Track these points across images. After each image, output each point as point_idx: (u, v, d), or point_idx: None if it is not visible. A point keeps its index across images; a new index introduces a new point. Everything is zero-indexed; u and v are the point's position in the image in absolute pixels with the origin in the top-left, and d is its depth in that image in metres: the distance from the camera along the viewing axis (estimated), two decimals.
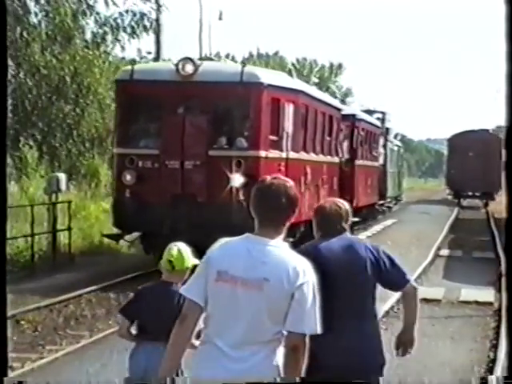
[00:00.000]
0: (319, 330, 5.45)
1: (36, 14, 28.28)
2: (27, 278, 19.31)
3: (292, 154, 20.68)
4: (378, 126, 37.92)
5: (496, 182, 45.63)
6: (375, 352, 7.03)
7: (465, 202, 48.47)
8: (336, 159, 27.82)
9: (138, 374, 7.75)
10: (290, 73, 26.47)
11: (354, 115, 32.55)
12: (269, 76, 20.33)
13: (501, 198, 40.26)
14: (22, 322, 15.21)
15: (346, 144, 30.76)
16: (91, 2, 28.33)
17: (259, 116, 19.39)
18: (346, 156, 30.36)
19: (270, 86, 19.58)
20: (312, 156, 23.15)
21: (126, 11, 28.55)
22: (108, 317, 15.70)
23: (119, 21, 28.85)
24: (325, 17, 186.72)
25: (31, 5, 27.97)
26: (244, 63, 21.71)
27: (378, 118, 40.30)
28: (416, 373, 11.02)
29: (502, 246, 13.80)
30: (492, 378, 9.51)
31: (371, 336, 7.01)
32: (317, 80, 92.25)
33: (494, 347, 13.19)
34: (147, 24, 28.43)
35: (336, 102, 29.38)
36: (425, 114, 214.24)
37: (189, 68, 19.25)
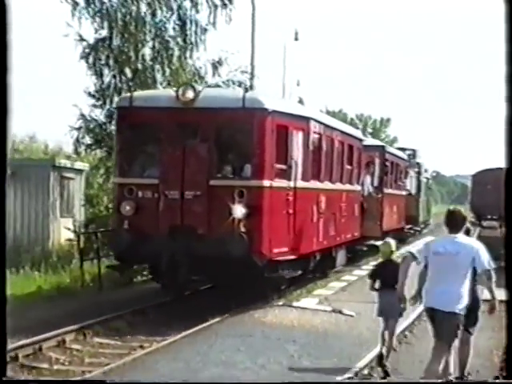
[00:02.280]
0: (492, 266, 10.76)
1: None
2: None
3: (301, 183, 18.29)
4: (404, 159, 38.29)
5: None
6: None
7: (485, 223, 55.87)
8: (358, 187, 25.68)
9: (383, 305, 12.94)
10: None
11: (383, 146, 31.19)
12: (273, 102, 18.13)
13: None
14: None
15: (376, 173, 29.59)
16: (202, 74, 27.23)
17: (263, 143, 17.05)
18: (375, 185, 29.16)
19: (274, 112, 17.21)
20: (327, 185, 20.87)
21: (227, 80, 27.46)
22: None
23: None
24: (377, 80, 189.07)
25: None
26: (247, 88, 19.57)
27: (409, 155, 42.99)
28: None
29: None
30: None
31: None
32: (371, 130, 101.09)
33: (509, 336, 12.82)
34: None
35: (357, 133, 27.06)
36: (454, 155, 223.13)
37: (189, 94, 17.06)
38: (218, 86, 26.59)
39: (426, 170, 53.79)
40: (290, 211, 17.88)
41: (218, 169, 17.31)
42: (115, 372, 12.17)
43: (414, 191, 42.71)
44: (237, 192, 16.87)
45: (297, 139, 18.37)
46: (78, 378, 11.92)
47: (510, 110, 9.07)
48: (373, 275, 13.27)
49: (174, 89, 17.74)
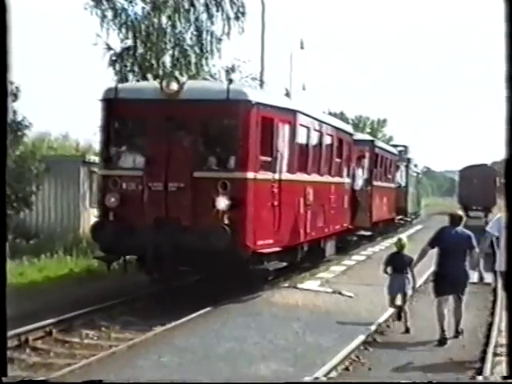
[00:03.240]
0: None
1: None
2: None
3: (287, 175, 16.92)
4: (394, 154, 37.32)
5: (492, 199, 57.15)
6: (465, 274, 13.87)
7: (471, 214, 56.83)
8: (347, 180, 24.13)
9: (394, 285, 14.82)
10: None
11: (372, 141, 29.73)
12: (258, 94, 16.67)
13: (495, 211, 50.68)
14: None
15: (366, 166, 28.31)
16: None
17: (247, 135, 15.64)
18: (365, 177, 27.87)
19: (259, 104, 15.80)
20: (315, 177, 19.38)
21: None
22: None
23: None
24: (375, 84, 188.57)
25: None
26: (231, 80, 17.98)
27: (400, 151, 43.50)
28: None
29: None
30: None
31: (465, 267, 13.82)
32: (369, 130, 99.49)
33: (492, 314, 16.48)
34: None
35: (348, 127, 25.56)
36: (443, 152, 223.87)
37: (173, 86, 15.65)
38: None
39: (415, 165, 54.00)
40: (275, 203, 16.54)
41: (202, 161, 15.97)
42: (139, 346, 12.42)
43: (403, 184, 41.77)
44: (220, 184, 15.52)
45: (283, 132, 17.02)
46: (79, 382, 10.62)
47: (510, 109, 8.25)
48: (387, 262, 15.21)
49: (159, 81, 16.04)
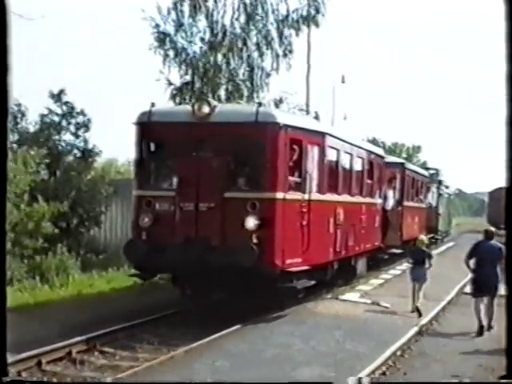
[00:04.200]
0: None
1: None
2: None
3: (316, 196, 15.91)
4: (425, 176, 36.26)
5: None
6: (497, 280, 15.11)
7: (499, 232, 52.45)
8: (378, 200, 22.90)
9: (415, 275, 17.02)
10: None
11: (402, 163, 28.41)
12: (287, 117, 15.67)
13: None
14: None
15: (397, 188, 27.21)
16: None
17: (276, 157, 14.70)
18: (396, 198, 26.78)
19: (287, 126, 14.88)
20: (345, 197, 18.27)
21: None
22: None
23: None
24: (409, 112, 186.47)
25: None
26: (260, 103, 16.87)
27: (432, 173, 43.02)
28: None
29: None
30: None
31: (497, 274, 15.10)
32: (405, 156, 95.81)
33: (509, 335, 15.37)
34: None
35: (378, 150, 24.38)
36: (475, 174, 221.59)
37: (204, 109, 14.84)
38: None
39: (447, 187, 53.21)
40: (304, 223, 15.45)
41: (232, 181, 15.08)
42: (194, 351, 12.50)
43: (434, 204, 40.62)
44: (250, 204, 14.59)
45: (312, 153, 16.06)
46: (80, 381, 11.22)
47: (511, 110, 7.74)
48: (410, 256, 17.99)
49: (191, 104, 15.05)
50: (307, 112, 29.09)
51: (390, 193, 25.68)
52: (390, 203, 25.41)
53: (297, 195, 15.21)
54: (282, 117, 15.15)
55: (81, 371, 12.08)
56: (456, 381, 11.37)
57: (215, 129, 14.74)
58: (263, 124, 14.62)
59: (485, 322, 15.31)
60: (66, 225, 30.00)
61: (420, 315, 16.40)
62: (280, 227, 14.60)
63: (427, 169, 45.40)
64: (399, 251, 27.18)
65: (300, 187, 15.42)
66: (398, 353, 13.24)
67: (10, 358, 11.45)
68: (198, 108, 14.87)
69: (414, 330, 15.15)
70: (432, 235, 38.23)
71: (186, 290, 15.78)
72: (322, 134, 16.36)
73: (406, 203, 27.81)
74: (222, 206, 14.55)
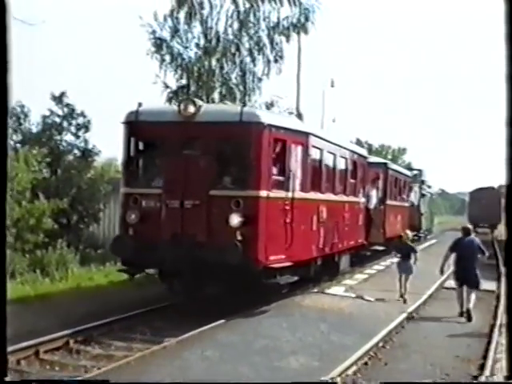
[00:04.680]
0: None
1: None
2: None
3: (299, 194, 15.39)
4: (407, 176, 35.59)
5: (497, 218, 56.59)
6: (475, 271, 16.18)
7: (479, 230, 54.74)
8: (362, 199, 22.38)
9: (402, 267, 17.80)
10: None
11: (385, 163, 27.86)
12: (270, 117, 15.16)
13: (500, 227, 53.47)
14: None
15: (379, 187, 26.74)
16: None
17: (259, 155, 14.19)
18: (379, 197, 26.33)
19: (271, 126, 14.39)
20: (329, 196, 17.75)
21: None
22: None
23: None
24: (396, 115, 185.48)
25: None
26: (244, 104, 16.43)
27: (415, 174, 42.63)
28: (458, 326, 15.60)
29: (502, 257, 19.24)
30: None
31: (475, 270, 16.16)
32: (390, 157, 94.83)
33: (495, 314, 16.70)
34: None
35: (362, 151, 23.81)
36: (457, 175, 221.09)
37: (190, 109, 14.33)
38: None
39: (429, 186, 52.74)
40: (288, 220, 14.91)
41: (217, 179, 14.55)
42: (186, 341, 12.30)
43: (416, 203, 40.00)
44: (234, 202, 14.07)
45: (295, 152, 15.49)
46: (79, 378, 10.57)
47: (510, 110, 7.34)
48: (396, 250, 18.91)
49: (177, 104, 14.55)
50: (298, 115, 28.61)
51: (373, 192, 25.18)
52: (373, 202, 24.91)
53: (280, 193, 14.69)
54: (266, 117, 14.62)
55: (77, 360, 11.88)
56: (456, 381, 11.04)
57: (201, 128, 14.23)
58: (247, 123, 14.10)
59: (465, 308, 16.20)
60: (67, 221, 29.69)
61: (405, 302, 17.30)
62: (263, 224, 14.09)
63: (410, 169, 44.98)
64: (382, 248, 26.81)
65: (283, 185, 14.90)
66: (381, 344, 13.10)
67: (9, 348, 11.41)
68: (183, 107, 14.35)
69: (397, 321, 15.06)
70: (415, 233, 37.75)
71: (173, 285, 15.26)
72: (306, 134, 15.84)
73: (388, 202, 27.22)
74: (208, 204, 14.06)
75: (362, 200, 22.46)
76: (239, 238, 13.75)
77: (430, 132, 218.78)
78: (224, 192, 14.17)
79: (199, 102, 14.64)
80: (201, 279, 14.41)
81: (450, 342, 13.93)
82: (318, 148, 16.57)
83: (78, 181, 29.52)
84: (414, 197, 38.06)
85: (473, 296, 16.21)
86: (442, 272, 16.85)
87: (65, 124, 31.22)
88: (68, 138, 31.34)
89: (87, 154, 31.01)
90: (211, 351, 11.61)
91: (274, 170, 14.68)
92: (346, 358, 11.38)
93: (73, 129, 31.28)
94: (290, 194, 14.96)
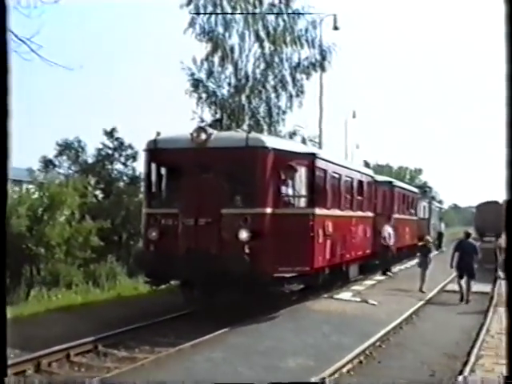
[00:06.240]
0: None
1: None
2: None
3: (305, 210, 14.24)
4: (414, 192, 33.73)
5: (501, 228, 49.47)
6: (472, 266, 17.54)
7: (485, 239, 53.14)
8: (369, 214, 21.22)
9: (421, 262, 19.25)
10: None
11: (390, 182, 26.56)
12: (274, 141, 14.27)
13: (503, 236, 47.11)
14: None
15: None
16: None
17: (265, 176, 13.33)
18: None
19: (275, 149, 13.51)
20: (334, 211, 16.65)
21: None
22: None
23: None
24: (413, 138, 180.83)
25: None
26: (250, 130, 15.62)
27: (425, 190, 41.27)
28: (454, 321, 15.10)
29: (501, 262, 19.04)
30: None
31: (473, 265, 17.55)
32: (408, 177, 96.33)
33: (486, 313, 15.83)
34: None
35: (368, 171, 22.72)
36: (468, 191, 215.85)
37: (202, 136, 13.54)
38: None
39: (440, 201, 51.75)
40: (294, 234, 13.75)
41: (228, 199, 13.59)
42: (199, 344, 11.41)
43: (426, 216, 38.23)
44: (243, 218, 13.20)
45: (300, 173, 14.26)
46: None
47: (511, 111, 6.42)
48: (418, 250, 20.09)
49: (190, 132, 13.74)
50: (319, 143, 28.17)
51: (389, 228, 23.01)
52: (392, 239, 22.80)
53: (286, 210, 13.71)
54: (270, 141, 13.74)
55: (103, 362, 11.16)
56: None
57: (212, 153, 13.40)
58: (253, 148, 13.24)
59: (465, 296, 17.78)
60: (118, 238, 29.25)
61: (423, 292, 18.42)
62: (269, 238, 13.15)
63: (421, 187, 43.27)
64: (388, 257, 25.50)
65: (289, 203, 14.04)
66: (378, 343, 12.13)
67: (41, 351, 10.93)
68: (196, 135, 13.56)
69: (396, 321, 14.10)
70: (423, 242, 36.26)
71: (190, 294, 14.27)
72: (310, 157, 14.84)
73: (395, 215, 25.79)
74: (219, 221, 13.18)
75: (370, 214, 21.30)
76: (247, 250, 12.86)
77: (443, 152, 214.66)
78: (234, 210, 13.28)
79: (210, 130, 13.86)
80: (214, 288, 13.50)
81: (441, 340, 12.85)
82: (322, 169, 15.56)
83: (128, 204, 29.13)
84: (422, 211, 36.53)
85: (471, 284, 17.92)
86: (451, 266, 17.98)
87: (115, 155, 30.97)
88: (118, 167, 31.15)
89: (135, 180, 30.73)
90: (218, 353, 10.79)
91: (280, 189, 13.75)
92: (342, 357, 10.49)
93: (122, 159, 31.07)
94: (295, 211, 14.03)
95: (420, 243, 21.25)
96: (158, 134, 14.08)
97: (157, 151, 14.03)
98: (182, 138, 13.84)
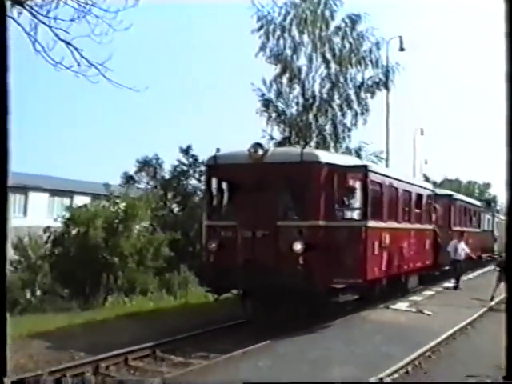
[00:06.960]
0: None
1: None
2: None
3: (360, 223, 13.58)
4: (477, 205, 32.14)
5: None
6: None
7: None
8: (428, 226, 20.28)
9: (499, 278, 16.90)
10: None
11: (450, 195, 25.42)
12: (328, 156, 13.80)
13: None
14: None
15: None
16: None
17: (319, 190, 12.87)
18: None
19: (329, 164, 13.05)
20: (391, 224, 15.94)
21: None
22: None
23: None
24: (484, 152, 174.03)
25: None
26: (304, 145, 15.18)
27: (488, 204, 39.37)
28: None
29: None
30: None
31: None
32: (477, 192, 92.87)
33: (509, 336, 11.80)
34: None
35: (427, 185, 21.87)
36: None
37: (259, 152, 13.23)
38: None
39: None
40: (349, 246, 13.19)
41: (283, 212, 13.29)
42: (250, 352, 10.96)
43: (489, 229, 36.29)
44: (297, 231, 12.74)
45: (354, 186, 13.81)
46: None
47: (510, 110, 6.00)
48: (497, 265, 18.51)
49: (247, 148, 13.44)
50: (386, 158, 27.55)
51: (462, 244, 21.42)
52: (462, 254, 21.13)
53: (340, 223, 13.21)
54: (324, 156, 13.29)
55: (159, 367, 10.95)
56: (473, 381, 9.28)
57: (268, 168, 13.06)
58: (307, 163, 12.82)
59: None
60: (192, 249, 29.25)
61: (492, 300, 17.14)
62: (323, 250, 12.65)
63: (486, 201, 41.52)
64: (447, 268, 24.37)
65: (344, 215, 13.49)
66: (428, 353, 11.27)
67: (101, 355, 10.81)
68: (253, 151, 13.25)
69: (448, 333, 13.00)
70: (488, 254, 34.60)
71: (249, 304, 13.81)
72: (364, 171, 14.28)
73: (454, 228, 24.44)
74: (275, 233, 12.78)
75: (429, 227, 20.36)
76: (301, 262, 12.38)
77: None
78: (289, 223, 12.88)
79: (266, 146, 13.54)
80: (270, 298, 13.08)
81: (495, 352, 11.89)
82: (377, 182, 14.96)
83: (201, 217, 29.09)
84: (486, 223, 34.84)
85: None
86: None
87: (190, 171, 31.06)
88: (193, 182, 31.24)
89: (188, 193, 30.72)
90: (265, 361, 10.32)
91: (333, 203, 13.23)
92: (388, 367, 9.81)
93: (197, 175, 31.09)
94: (348, 223, 13.47)
95: (484, 255, 20.65)
96: (218, 150, 13.85)
97: (216, 166, 13.81)
98: (240, 154, 13.55)
